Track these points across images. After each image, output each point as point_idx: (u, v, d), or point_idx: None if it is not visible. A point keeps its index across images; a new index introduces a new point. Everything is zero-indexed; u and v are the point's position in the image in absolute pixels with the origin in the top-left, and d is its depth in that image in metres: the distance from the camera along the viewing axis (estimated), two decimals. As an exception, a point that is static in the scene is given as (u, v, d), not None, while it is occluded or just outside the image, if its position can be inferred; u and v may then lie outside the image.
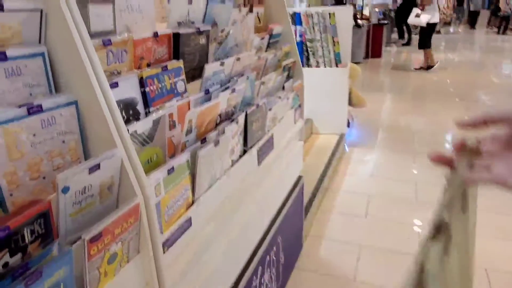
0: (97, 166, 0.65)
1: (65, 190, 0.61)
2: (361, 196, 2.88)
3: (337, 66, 3.47)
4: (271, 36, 1.68)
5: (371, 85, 6.57)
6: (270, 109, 1.45)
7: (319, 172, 3.03)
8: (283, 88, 1.74)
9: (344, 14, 3.41)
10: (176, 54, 1.05)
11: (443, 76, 6.92)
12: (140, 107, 0.90)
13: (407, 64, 8.60)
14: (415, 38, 12.62)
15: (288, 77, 1.84)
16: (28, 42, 0.65)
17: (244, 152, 1.31)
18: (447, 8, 6.34)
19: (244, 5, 1.65)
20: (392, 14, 12.33)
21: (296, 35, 3.40)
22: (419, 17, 6.64)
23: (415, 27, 9.20)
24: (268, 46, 1.71)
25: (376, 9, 10.74)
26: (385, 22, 9.46)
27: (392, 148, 3.74)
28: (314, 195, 2.61)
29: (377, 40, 9.08)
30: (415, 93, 5.87)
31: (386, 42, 11.28)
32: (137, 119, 0.89)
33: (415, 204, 2.74)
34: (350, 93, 3.81)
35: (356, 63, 8.68)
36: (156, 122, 0.88)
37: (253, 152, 1.34)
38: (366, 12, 9.67)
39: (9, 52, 0.60)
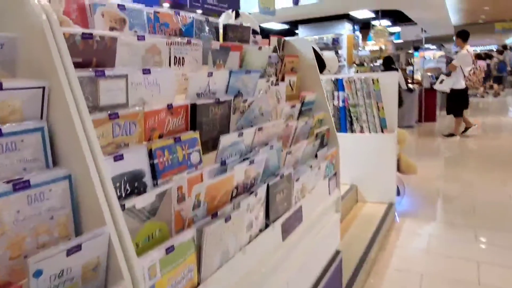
0: (78, 247, 0.60)
1: (37, 274, 0.56)
2: (413, 276, 2.54)
3: (382, 131, 3.33)
4: (303, 103, 1.65)
5: (424, 150, 6.22)
6: (297, 180, 1.37)
7: (363, 246, 2.76)
8: (316, 156, 1.66)
9: (389, 79, 3.35)
10: (193, 124, 1.04)
11: (500, 142, 6.39)
12: (147, 179, 0.87)
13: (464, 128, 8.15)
14: (475, 102, 12.12)
15: (322, 145, 1.77)
16: (29, 117, 0.66)
17: (266, 226, 1.22)
18: (473, 74, 6.11)
19: (276, 75, 1.66)
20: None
21: (338, 100, 3.38)
22: (442, 83, 6.43)
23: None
24: (301, 113, 1.67)
25: (429, 73, 10.58)
26: (439, 86, 9.21)
27: (449, 220, 3.37)
28: (356, 273, 2.35)
29: (430, 104, 8.80)
30: (473, 159, 5.43)
31: (441, 106, 10.89)
32: (144, 191, 0.86)
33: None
34: (398, 159, 3.60)
35: (408, 127, 8.40)
36: (161, 196, 0.84)
37: (276, 226, 1.24)
38: (418, 76, 9.55)
39: (5, 129, 0.61)
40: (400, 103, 8.25)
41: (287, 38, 1.81)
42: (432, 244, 2.99)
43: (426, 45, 23.86)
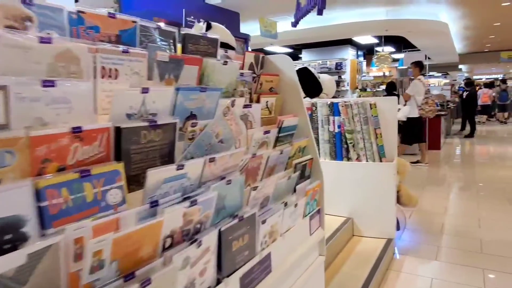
0: None
1: None
2: (413, 327, 2.23)
3: (381, 160, 3.08)
4: (280, 129, 1.42)
5: (429, 180, 5.92)
6: (264, 221, 1.12)
7: (359, 286, 2.47)
8: (295, 191, 1.42)
9: (388, 104, 3.13)
10: (119, 153, 0.82)
11: (509, 173, 6.09)
12: (30, 228, 0.64)
13: (470, 156, 7.85)
14: (480, 129, 11.84)
15: (304, 177, 1.53)
16: None
17: (218, 282, 0.97)
18: (425, 104, 6.43)
19: (251, 95, 1.45)
20: (451, 106, 11.83)
21: (334, 125, 3.16)
22: (398, 112, 6.53)
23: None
24: (278, 140, 1.44)
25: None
26: (443, 113, 8.99)
27: (454, 259, 3.06)
28: (347, 322, 2.05)
29: (435, 131, 8.54)
30: (480, 191, 5.12)
31: (446, 134, 10.64)
32: (20, 246, 0.62)
33: None
34: (398, 191, 3.32)
35: (412, 154, 8.13)
36: (39, 254, 0.60)
37: (231, 282, 0.99)
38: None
39: None
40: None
41: (267, 55, 1.61)
42: (435, 287, 2.68)
43: (431, 73, 23.93)
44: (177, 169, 0.85)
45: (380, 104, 3.07)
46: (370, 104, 3.02)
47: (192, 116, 1.02)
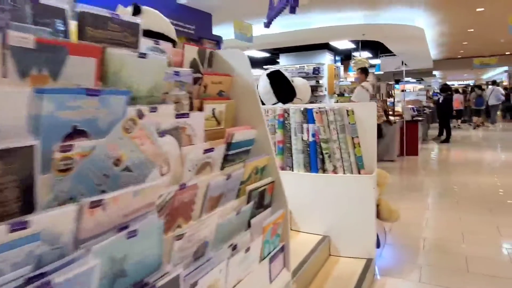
0: None
1: None
2: None
3: (359, 172, 2.80)
4: (229, 145, 1.08)
5: (408, 188, 5.72)
6: (194, 284, 0.77)
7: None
8: (249, 225, 1.08)
9: (366, 111, 2.86)
10: None
11: (491, 180, 5.98)
12: None
13: (448, 162, 7.77)
14: (455, 135, 11.91)
15: (263, 206, 1.19)
16: None
17: None
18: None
19: (191, 100, 1.10)
20: (427, 111, 11.86)
21: (308, 134, 2.85)
22: None
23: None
24: (227, 160, 1.10)
25: (410, 106, 10.34)
26: (420, 118, 8.91)
27: (440, 281, 2.79)
28: None
29: (412, 137, 8.44)
30: (462, 199, 4.95)
31: (423, 139, 10.61)
32: None
33: None
34: (378, 205, 3.05)
35: (389, 161, 7.97)
36: None
37: None
38: (399, 108, 9.26)
39: None
40: (380, 134, 7.88)
41: (216, 50, 1.27)
42: (420, 317, 2.39)
43: (407, 78, 24.29)
44: (14, 230, 0.49)
45: (358, 111, 2.79)
46: (347, 111, 2.73)
47: (77, 133, 0.67)
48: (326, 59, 11.98)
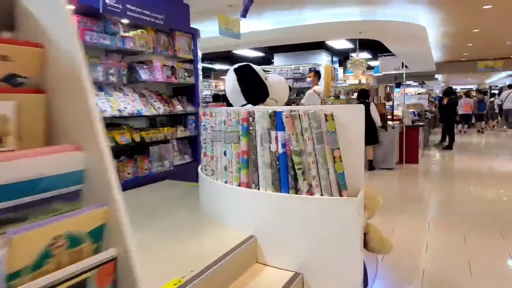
0: None
1: None
2: None
3: (341, 193, 2.19)
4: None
5: (407, 200, 5.11)
6: None
7: None
8: None
9: (352, 115, 2.25)
10: None
11: (497, 195, 5.36)
12: None
13: (451, 172, 7.15)
14: (459, 141, 11.24)
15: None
16: None
17: None
18: None
19: None
20: (429, 115, 11.26)
21: (277, 144, 2.24)
22: None
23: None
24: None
25: (410, 110, 9.73)
26: (421, 124, 8.30)
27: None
28: None
29: (412, 144, 7.83)
30: (466, 218, 4.34)
31: (424, 145, 10.00)
32: None
33: None
34: (366, 233, 2.44)
35: (388, 169, 7.37)
36: None
37: None
38: (399, 112, 8.65)
39: None
40: (376, 139, 7.28)
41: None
42: None
43: (408, 82, 23.69)
44: None
45: (340, 115, 2.17)
46: (326, 115, 2.12)
47: None
48: (322, 60, 11.38)
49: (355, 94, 8.17)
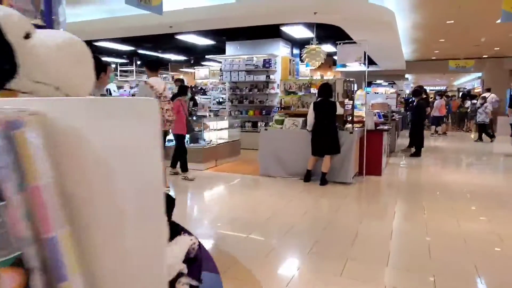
0: None
1: None
2: None
3: None
4: None
5: (361, 237, 3.66)
6: None
7: None
8: None
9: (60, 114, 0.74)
10: None
11: (485, 225, 4.05)
12: None
13: (418, 188, 5.81)
14: (431, 145, 10.06)
15: None
16: None
17: None
18: (166, 112, 5.15)
19: None
20: (396, 117, 10.04)
21: None
22: None
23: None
24: None
25: (375, 111, 8.44)
26: (385, 128, 6.97)
27: None
28: None
29: (374, 151, 6.49)
30: (444, 269, 2.97)
31: (390, 150, 8.75)
32: None
33: None
34: None
35: (343, 183, 5.99)
36: None
37: None
38: (362, 113, 7.31)
39: None
40: (337, 149, 5.89)
41: None
42: None
43: (378, 81, 22.75)
44: None
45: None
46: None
47: None
48: (280, 50, 9.92)
49: (312, 90, 6.75)
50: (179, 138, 6.13)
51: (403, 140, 10.92)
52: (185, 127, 6.03)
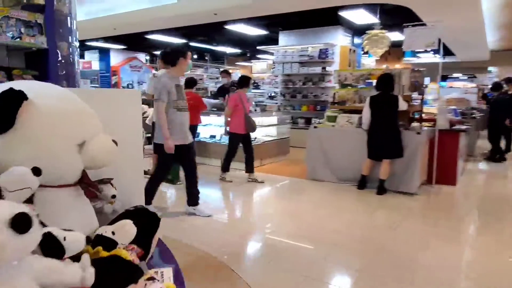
0: None
1: None
2: None
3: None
4: None
5: (425, 267, 2.77)
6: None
7: None
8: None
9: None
10: None
11: None
12: None
13: (505, 198, 4.59)
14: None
15: None
16: None
17: None
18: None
19: None
20: (477, 115, 8.52)
21: None
22: None
23: None
24: None
25: (450, 107, 7.16)
26: (462, 127, 5.75)
27: None
28: None
29: (449, 155, 5.36)
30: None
31: (468, 154, 7.38)
32: None
33: None
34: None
35: (407, 194, 4.92)
36: None
37: None
38: (434, 109, 6.16)
39: None
40: (400, 152, 4.87)
41: None
42: None
43: (455, 74, 20.30)
44: None
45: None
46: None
47: None
48: (338, 39, 8.96)
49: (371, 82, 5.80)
50: (233, 138, 5.36)
51: (485, 142, 9.31)
52: (243, 125, 5.27)
